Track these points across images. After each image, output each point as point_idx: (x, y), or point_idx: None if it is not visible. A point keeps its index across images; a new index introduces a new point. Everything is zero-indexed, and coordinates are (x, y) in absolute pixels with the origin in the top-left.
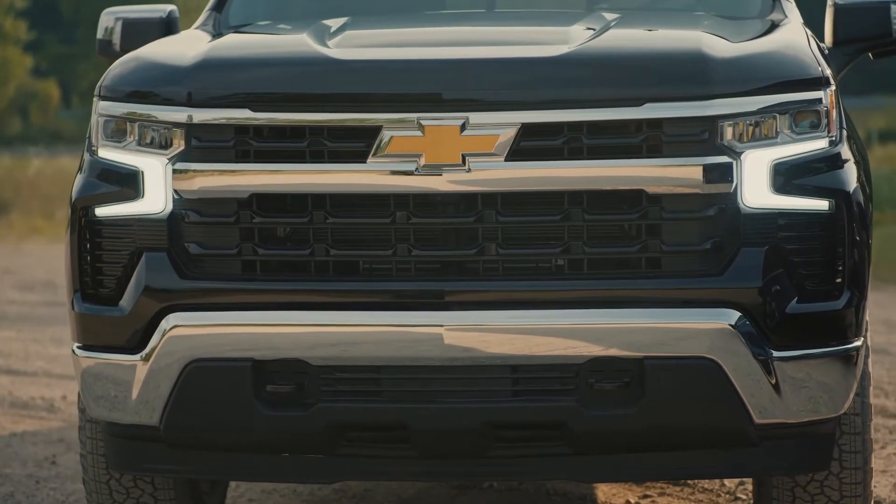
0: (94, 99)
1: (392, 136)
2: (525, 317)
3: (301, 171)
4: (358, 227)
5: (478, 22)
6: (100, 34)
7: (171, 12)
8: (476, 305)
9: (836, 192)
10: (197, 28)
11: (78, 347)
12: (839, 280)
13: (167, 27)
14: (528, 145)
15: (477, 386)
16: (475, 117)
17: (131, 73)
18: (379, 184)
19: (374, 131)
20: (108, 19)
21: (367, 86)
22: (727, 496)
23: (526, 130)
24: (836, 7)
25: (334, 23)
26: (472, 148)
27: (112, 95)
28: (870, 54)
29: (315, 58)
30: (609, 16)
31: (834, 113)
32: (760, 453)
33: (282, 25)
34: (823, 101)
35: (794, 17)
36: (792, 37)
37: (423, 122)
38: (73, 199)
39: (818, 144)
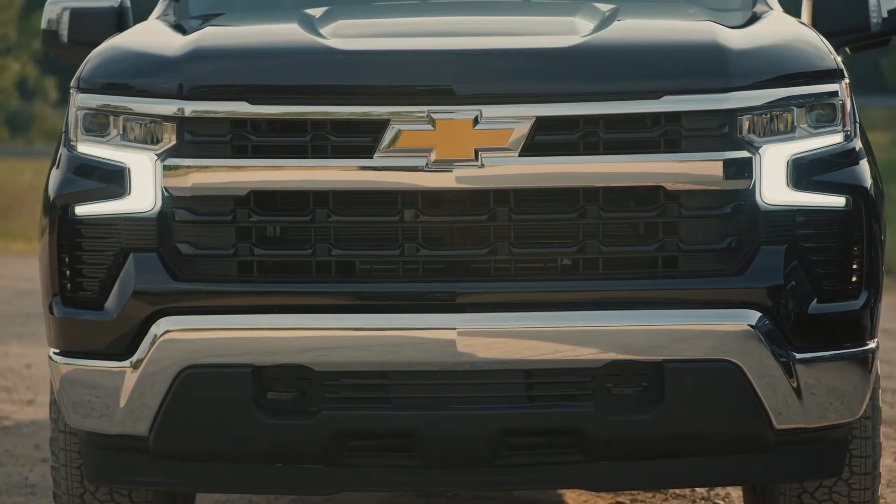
0: (72, 91)
1: (401, 130)
2: (540, 319)
3: (303, 167)
4: (363, 226)
5: (472, 12)
6: (44, 24)
7: (122, 2)
8: (489, 307)
9: (854, 188)
10: (157, 18)
11: (56, 354)
12: (858, 279)
13: (119, 17)
14: (543, 140)
15: (490, 391)
16: (488, 110)
17: (113, 63)
18: (386, 180)
19: (381, 125)
20: (53, 10)
21: (375, 77)
22: (702, 502)
23: (541, 124)
24: (814, 1)
25: (315, 12)
26: (486, 142)
27: (92, 87)
28: (847, 49)
29: (318, 48)
30: (603, 7)
31: (848, 106)
32: (776, 459)
33: (258, 15)
34: (839, 94)
35: (777, 9)
36: (800, 29)
37: (435, 116)
38: (51, 198)
39: (834, 139)
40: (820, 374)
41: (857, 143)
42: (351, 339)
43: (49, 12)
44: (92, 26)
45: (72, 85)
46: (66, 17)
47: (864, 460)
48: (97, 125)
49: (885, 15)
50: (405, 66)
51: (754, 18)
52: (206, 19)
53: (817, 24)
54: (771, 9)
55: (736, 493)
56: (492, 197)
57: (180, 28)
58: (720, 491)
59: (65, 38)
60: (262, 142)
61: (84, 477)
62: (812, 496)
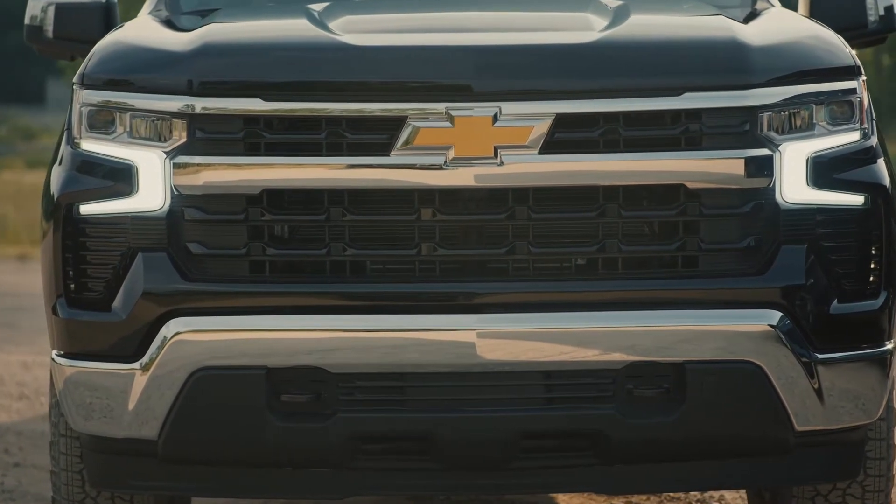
0: (75, 87)
1: (418, 128)
2: (560, 320)
3: (317, 165)
4: (379, 225)
5: (474, 6)
6: (27, 20)
7: None
8: (508, 308)
9: (872, 187)
10: (149, 14)
11: (59, 356)
12: (877, 278)
13: (107, 13)
14: (563, 137)
15: (509, 393)
16: (508, 107)
17: (118, 58)
18: (403, 178)
19: (398, 122)
20: (37, 5)
21: (392, 74)
22: (697, 503)
23: (560, 121)
24: None
25: (317, 7)
26: (505, 140)
27: (97, 83)
28: None
29: (333, 44)
30: (610, 2)
31: (866, 103)
32: (794, 462)
33: (258, 11)
34: (857, 91)
35: (777, 6)
36: (813, 25)
37: (453, 113)
38: (55, 196)
39: (852, 136)
40: (840, 375)
41: (875, 141)
42: (367, 341)
43: (32, 8)
44: (79, 21)
45: (74, 81)
46: (51, 12)
47: (879, 462)
48: (102, 122)
49: (881, 12)
50: (423, 63)
51: (757, 14)
52: (202, 15)
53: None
54: (772, 5)
55: (731, 495)
56: (510, 195)
57: (172, 24)
58: (714, 493)
59: (50, 34)
60: (276, 139)
61: (85, 482)
62: (825, 498)
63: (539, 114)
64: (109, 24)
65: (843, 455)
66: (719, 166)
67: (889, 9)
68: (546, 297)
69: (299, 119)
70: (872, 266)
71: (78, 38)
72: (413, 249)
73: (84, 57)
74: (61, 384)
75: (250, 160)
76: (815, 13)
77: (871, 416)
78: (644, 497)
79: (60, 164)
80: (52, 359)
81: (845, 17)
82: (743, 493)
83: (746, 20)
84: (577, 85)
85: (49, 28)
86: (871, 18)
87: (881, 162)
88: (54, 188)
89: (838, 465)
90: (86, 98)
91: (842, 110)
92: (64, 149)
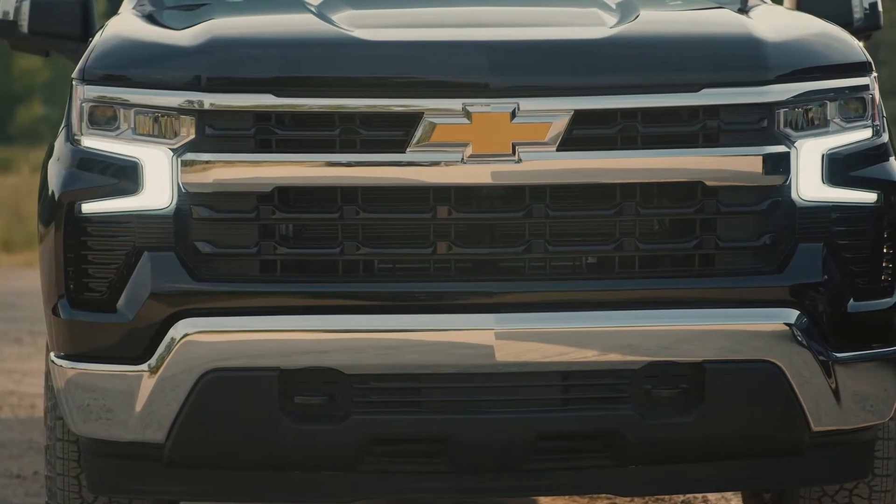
0: (75, 82)
1: (435, 124)
2: (578, 319)
3: (331, 163)
4: (394, 223)
5: (473, 2)
6: (0, 15)
7: None
8: (526, 308)
9: (885, 184)
10: (133, 9)
11: (60, 357)
12: (891, 276)
13: (85, 8)
14: (581, 134)
15: (527, 394)
16: (526, 104)
17: (120, 53)
18: (419, 176)
19: (414, 118)
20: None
21: (409, 69)
22: None
23: (579, 118)
24: None
25: (313, 1)
26: (523, 136)
27: (99, 79)
28: None
29: (345, 39)
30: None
31: (877, 100)
32: (806, 462)
33: (253, 6)
34: (870, 88)
35: (769, 1)
36: (819, 21)
37: (471, 109)
38: (55, 194)
39: (865, 133)
40: (856, 375)
41: (886, 138)
42: (381, 341)
43: (5, 3)
44: (56, 17)
45: (74, 76)
46: (26, 7)
47: (886, 462)
48: (104, 118)
49: (866, 9)
50: (440, 58)
51: (751, 9)
52: (187, 9)
53: None
54: (763, 1)
55: (714, 495)
56: (528, 193)
57: (161, 19)
58: (698, 493)
59: (25, 29)
60: (288, 136)
61: (82, 487)
62: (832, 499)
63: (557, 110)
64: (87, 19)
65: (853, 455)
66: (737, 163)
67: (873, 6)
68: (564, 297)
69: (312, 115)
70: (885, 264)
71: (55, 34)
72: (429, 248)
73: (60, 53)
74: (62, 386)
75: (261, 157)
76: (801, 10)
77: (884, 416)
78: (628, 499)
79: (59, 161)
80: (52, 361)
81: (831, 14)
82: (728, 493)
83: (761, 18)
84: (596, 81)
85: (24, 23)
86: (857, 16)
87: (893, 160)
88: (54, 186)
89: (849, 465)
90: (87, 93)
91: (854, 107)
92: (63, 145)
